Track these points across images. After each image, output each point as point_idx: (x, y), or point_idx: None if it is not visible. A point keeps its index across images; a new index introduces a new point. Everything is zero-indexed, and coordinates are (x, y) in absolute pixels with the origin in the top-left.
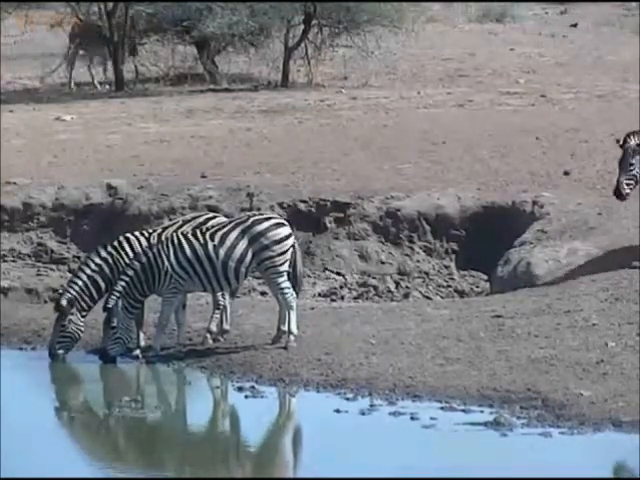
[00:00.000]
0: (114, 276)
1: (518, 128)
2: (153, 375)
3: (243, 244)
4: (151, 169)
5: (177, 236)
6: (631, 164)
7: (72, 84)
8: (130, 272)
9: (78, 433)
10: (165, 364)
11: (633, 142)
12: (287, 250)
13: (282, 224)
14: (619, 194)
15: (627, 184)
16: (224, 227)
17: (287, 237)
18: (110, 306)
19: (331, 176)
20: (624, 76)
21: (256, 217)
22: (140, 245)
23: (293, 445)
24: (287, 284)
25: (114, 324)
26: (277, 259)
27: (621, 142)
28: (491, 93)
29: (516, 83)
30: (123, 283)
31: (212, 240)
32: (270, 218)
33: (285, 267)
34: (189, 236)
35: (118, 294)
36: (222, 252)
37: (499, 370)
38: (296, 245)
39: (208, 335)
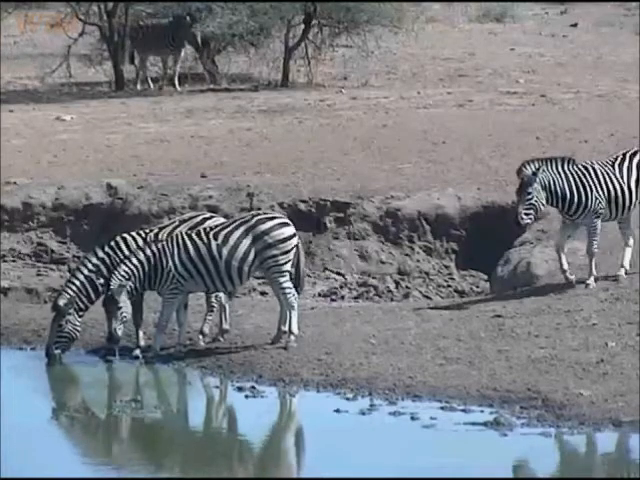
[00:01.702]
0: (111, 276)
1: (518, 128)
2: (153, 375)
3: (246, 243)
4: (151, 169)
5: (181, 236)
6: (529, 193)
7: (150, 84)
8: (134, 260)
9: (78, 433)
10: (165, 364)
11: (529, 170)
12: (290, 250)
13: (286, 224)
14: (518, 223)
15: (526, 213)
16: (227, 226)
17: (291, 237)
18: (114, 288)
19: (331, 176)
20: (624, 76)
21: (260, 216)
22: (137, 245)
23: (293, 445)
24: (289, 284)
25: (120, 304)
26: (280, 258)
27: (517, 171)
28: (491, 93)
29: (516, 83)
30: (126, 268)
31: (215, 239)
32: (274, 217)
33: (288, 267)
34: (193, 235)
35: (121, 277)
36: (225, 251)
37: (499, 370)
38: (299, 245)
39: (200, 337)
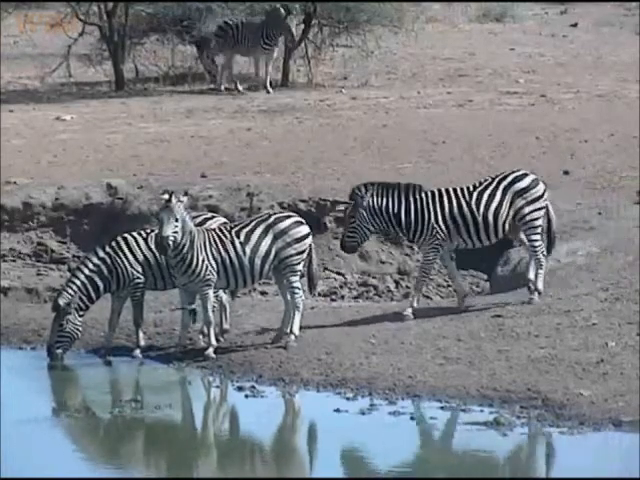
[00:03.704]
0: (112, 276)
1: (518, 128)
2: (153, 375)
3: (267, 241)
4: (151, 169)
5: (205, 232)
6: (352, 217)
7: (239, 88)
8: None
9: (78, 433)
10: (165, 364)
11: (357, 195)
12: (305, 249)
13: (302, 223)
14: (342, 247)
15: (350, 237)
16: (247, 225)
17: (307, 236)
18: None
19: (331, 176)
20: (624, 76)
21: (277, 215)
22: (138, 245)
23: (293, 445)
24: (299, 284)
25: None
26: (296, 258)
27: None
28: (491, 93)
29: (516, 83)
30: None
31: (238, 237)
32: (290, 216)
33: (300, 267)
34: (216, 232)
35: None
36: (248, 249)
37: (499, 370)
38: (312, 245)
39: (200, 337)
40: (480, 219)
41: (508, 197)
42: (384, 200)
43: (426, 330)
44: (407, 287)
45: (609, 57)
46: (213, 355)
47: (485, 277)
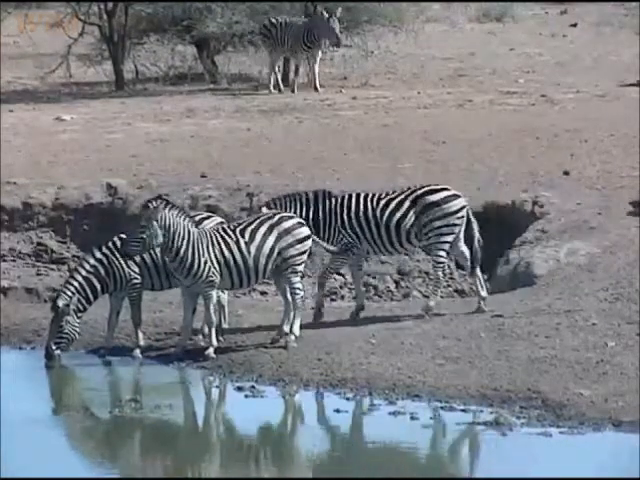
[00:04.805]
0: (109, 277)
1: (518, 128)
2: (153, 375)
3: (271, 240)
4: (151, 169)
5: (209, 233)
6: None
7: (278, 87)
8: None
9: (78, 433)
10: (165, 364)
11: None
12: (307, 250)
13: (303, 224)
14: None
15: None
16: (251, 224)
17: (309, 237)
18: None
19: (331, 176)
20: (624, 76)
21: (281, 215)
22: None
23: (293, 444)
24: (301, 285)
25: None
26: (298, 258)
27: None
28: (491, 93)
29: (516, 83)
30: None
31: (243, 237)
32: (293, 217)
33: (302, 267)
34: (220, 233)
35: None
36: (253, 249)
37: (499, 370)
38: (313, 246)
39: (200, 337)
40: (383, 226)
41: (416, 209)
42: (292, 210)
43: (426, 330)
44: (407, 287)
45: (609, 57)
46: (213, 355)
47: (485, 277)
